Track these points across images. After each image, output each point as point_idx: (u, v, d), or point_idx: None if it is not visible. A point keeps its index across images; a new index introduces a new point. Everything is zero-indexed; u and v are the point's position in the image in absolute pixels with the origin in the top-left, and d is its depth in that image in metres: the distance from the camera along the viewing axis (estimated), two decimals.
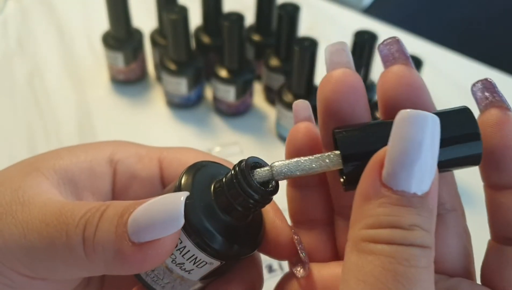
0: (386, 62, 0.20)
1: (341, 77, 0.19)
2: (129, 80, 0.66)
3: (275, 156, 0.58)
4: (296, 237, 0.23)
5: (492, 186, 0.19)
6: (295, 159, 0.19)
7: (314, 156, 0.19)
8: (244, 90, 0.60)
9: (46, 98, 0.65)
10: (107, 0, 0.59)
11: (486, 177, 0.19)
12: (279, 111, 0.58)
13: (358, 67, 0.50)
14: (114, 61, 0.64)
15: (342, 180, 0.20)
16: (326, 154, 0.19)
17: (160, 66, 0.60)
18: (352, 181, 0.18)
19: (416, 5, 1.56)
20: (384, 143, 0.17)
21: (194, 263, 0.21)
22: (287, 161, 0.19)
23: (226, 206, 0.21)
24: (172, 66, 0.59)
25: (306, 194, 0.23)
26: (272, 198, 0.21)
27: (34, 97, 0.64)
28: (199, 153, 0.25)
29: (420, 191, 0.16)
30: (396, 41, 0.20)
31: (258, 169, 0.20)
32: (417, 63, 0.53)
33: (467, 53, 0.75)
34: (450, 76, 0.71)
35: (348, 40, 0.58)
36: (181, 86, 0.60)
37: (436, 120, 0.16)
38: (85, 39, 0.74)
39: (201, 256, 0.21)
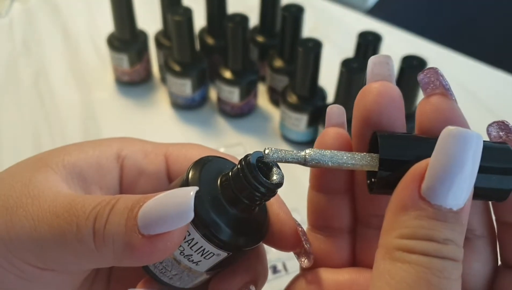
0: (426, 90, 0.20)
1: (382, 89, 0.20)
2: (134, 81, 0.66)
3: None
4: (300, 228, 0.23)
5: (505, 223, 0.20)
6: (330, 150, 0.20)
7: (350, 152, 0.20)
8: (248, 91, 0.60)
9: (51, 99, 0.65)
10: (112, 1, 0.60)
11: (500, 213, 0.20)
12: (283, 112, 0.58)
13: (362, 68, 0.51)
14: (119, 62, 0.64)
15: (369, 182, 0.20)
16: (363, 153, 0.19)
17: (165, 67, 0.60)
18: (382, 186, 0.19)
19: (419, 6, 1.56)
20: (423, 156, 0.17)
21: (201, 255, 0.21)
22: (322, 150, 0.20)
23: (232, 199, 0.21)
24: (177, 68, 0.59)
25: (331, 200, 0.23)
26: (276, 191, 0.21)
27: (39, 98, 0.65)
28: (204, 148, 0.25)
29: (455, 206, 0.17)
30: (435, 71, 0.20)
31: (291, 151, 0.20)
32: (421, 64, 0.53)
33: (471, 53, 0.75)
34: (454, 77, 0.71)
35: (352, 41, 0.58)
36: (185, 87, 0.60)
37: (480, 140, 0.16)
38: (90, 41, 0.74)
39: (209, 247, 0.21)
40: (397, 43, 0.75)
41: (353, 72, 0.50)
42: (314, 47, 0.53)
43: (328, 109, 0.22)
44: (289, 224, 0.23)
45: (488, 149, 0.18)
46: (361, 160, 0.19)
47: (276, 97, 0.64)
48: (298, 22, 0.59)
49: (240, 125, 0.63)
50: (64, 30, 0.76)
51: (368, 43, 0.56)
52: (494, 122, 0.21)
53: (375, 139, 0.20)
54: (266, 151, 0.20)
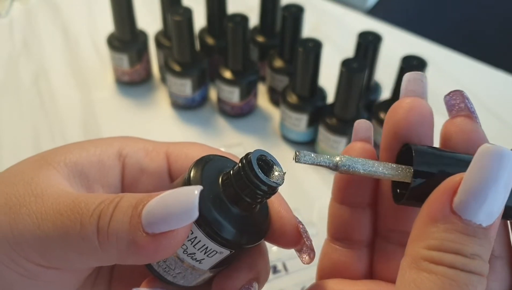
0: (451, 112, 0.21)
1: (414, 105, 0.20)
2: (134, 81, 0.66)
3: (279, 157, 0.58)
4: (301, 225, 0.23)
5: None
6: (362, 158, 0.20)
7: (382, 162, 0.20)
8: (248, 91, 0.60)
9: (51, 99, 0.65)
10: (112, 1, 0.60)
11: None
12: (283, 112, 0.58)
13: (362, 68, 0.51)
14: (119, 62, 0.64)
15: (394, 193, 0.20)
16: (395, 164, 0.20)
17: (165, 67, 0.60)
18: (411, 198, 0.19)
19: (419, 6, 1.56)
20: (455, 171, 0.17)
21: (205, 253, 0.22)
22: (354, 157, 0.20)
23: (234, 197, 0.21)
24: (177, 68, 0.59)
25: (353, 213, 0.23)
26: (277, 189, 0.22)
27: (39, 98, 0.65)
28: (205, 147, 0.25)
29: (486, 223, 0.17)
30: (461, 94, 0.21)
31: (325, 155, 0.20)
32: (421, 64, 0.53)
33: (471, 53, 0.75)
34: (454, 77, 0.71)
35: (352, 41, 0.58)
36: (185, 87, 0.60)
37: None
38: (90, 41, 0.74)
39: (212, 245, 0.21)
40: (397, 43, 0.75)
41: (353, 72, 0.50)
42: (314, 47, 0.53)
43: (356, 123, 0.23)
44: (290, 221, 0.23)
45: None
46: (394, 170, 0.20)
47: (276, 97, 0.64)
48: (298, 22, 0.59)
49: (240, 125, 0.63)
50: (64, 30, 0.76)
51: (368, 43, 0.56)
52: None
53: (405, 151, 0.20)
54: (297, 153, 0.20)
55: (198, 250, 0.22)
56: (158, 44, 0.65)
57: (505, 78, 0.72)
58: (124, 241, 0.19)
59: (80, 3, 0.82)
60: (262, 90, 0.66)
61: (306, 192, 0.55)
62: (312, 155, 0.20)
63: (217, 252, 0.22)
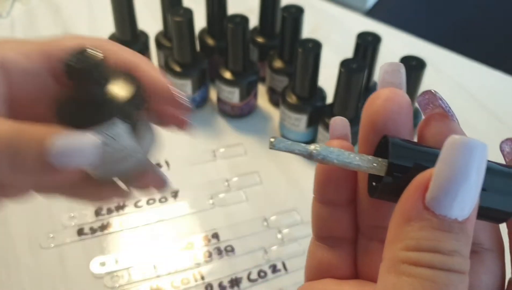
0: (425, 111, 0.21)
1: (391, 96, 0.20)
2: None
3: (279, 157, 0.59)
4: (172, 86, 0.26)
5: None
6: (338, 149, 0.19)
7: (358, 154, 0.19)
8: (248, 92, 0.61)
9: None
10: (112, 2, 0.60)
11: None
12: (282, 112, 0.58)
13: (361, 69, 0.51)
14: None
15: (371, 186, 0.20)
16: (372, 157, 0.19)
17: (165, 68, 0.61)
18: (385, 192, 0.19)
19: (418, 7, 1.56)
20: (432, 165, 0.17)
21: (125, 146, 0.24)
22: (330, 147, 0.19)
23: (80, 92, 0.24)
24: (177, 68, 0.60)
25: (334, 212, 0.23)
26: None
27: None
28: (81, 38, 0.26)
29: (461, 217, 0.16)
30: (432, 93, 0.21)
31: (301, 144, 0.20)
32: (420, 64, 0.53)
33: (470, 54, 0.76)
34: (453, 77, 0.72)
35: (352, 42, 0.58)
36: (185, 87, 0.61)
37: (485, 149, 0.16)
38: None
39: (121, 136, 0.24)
40: (396, 43, 0.75)
41: (352, 72, 0.51)
42: (314, 48, 0.53)
43: (332, 121, 0.22)
44: (161, 79, 0.26)
45: (494, 171, 0.18)
46: (368, 163, 0.19)
47: (276, 98, 0.64)
48: (297, 23, 0.60)
49: (240, 126, 0.63)
50: (65, 30, 0.77)
51: (367, 44, 0.56)
52: (508, 139, 0.21)
53: (383, 144, 0.20)
54: (272, 140, 0.19)
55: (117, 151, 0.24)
56: (158, 45, 0.65)
57: (504, 78, 0.72)
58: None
59: (81, 3, 0.82)
60: (262, 91, 0.66)
61: (304, 192, 0.55)
62: (288, 142, 0.20)
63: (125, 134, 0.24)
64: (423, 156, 0.18)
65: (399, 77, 0.20)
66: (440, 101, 0.20)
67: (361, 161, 0.19)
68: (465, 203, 0.16)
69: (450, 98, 0.72)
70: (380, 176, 0.19)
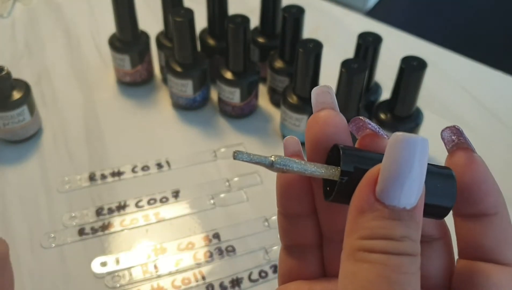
0: (358, 134, 0.23)
1: (328, 120, 0.22)
2: (135, 82, 0.67)
3: None
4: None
5: (462, 215, 0.22)
6: (296, 160, 0.22)
7: (315, 163, 0.22)
8: (249, 92, 0.61)
9: (53, 99, 0.66)
10: (113, 3, 0.60)
11: (457, 209, 0.22)
12: (283, 112, 0.58)
13: (362, 69, 0.51)
14: (121, 63, 0.64)
15: (325, 190, 0.22)
16: (325, 165, 0.21)
17: (166, 68, 0.61)
18: (340, 194, 0.20)
19: (419, 7, 1.56)
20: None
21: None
22: (289, 158, 0.22)
23: None
24: (178, 68, 0.60)
25: (297, 222, 0.25)
26: None
27: (41, 99, 0.65)
28: None
29: (408, 205, 0.18)
30: (361, 118, 0.22)
31: (261, 155, 0.21)
32: (421, 64, 0.53)
33: (470, 54, 0.76)
34: (454, 78, 0.72)
35: (352, 42, 0.58)
36: (186, 88, 0.61)
37: (425, 142, 0.18)
38: (92, 42, 0.75)
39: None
40: (397, 44, 0.75)
41: (353, 72, 0.51)
42: (315, 48, 0.53)
43: (284, 141, 0.24)
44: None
45: (431, 172, 0.20)
46: (324, 169, 0.21)
47: (277, 98, 0.64)
48: (298, 23, 0.60)
49: (241, 126, 0.63)
50: (66, 31, 0.77)
51: (368, 44, 0.56)
52: (447, 127, 0.22)
53: (334, 153, 0.22)
54: (234, 152, 0.21)
55: None
56: (159, 45, 0.65)
57: (505, 78, 0.72)
58: None
59: (82, 4, 0.82)
60: (262, 91, 0.66)
61: None
62: (248, 154, 0.21)
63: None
64: (368, 158, 0.21)
65: (329, 97, 0.22)
66: (369, 126, 0.22)
67: (317, 167, 0.21)
68: (411, 192, 0.18)
69: (450, 98, 0.72)
70: (334, 182, 0.21)
